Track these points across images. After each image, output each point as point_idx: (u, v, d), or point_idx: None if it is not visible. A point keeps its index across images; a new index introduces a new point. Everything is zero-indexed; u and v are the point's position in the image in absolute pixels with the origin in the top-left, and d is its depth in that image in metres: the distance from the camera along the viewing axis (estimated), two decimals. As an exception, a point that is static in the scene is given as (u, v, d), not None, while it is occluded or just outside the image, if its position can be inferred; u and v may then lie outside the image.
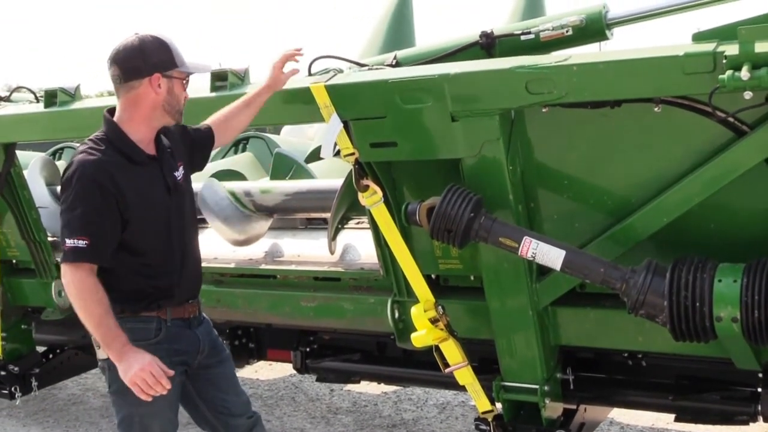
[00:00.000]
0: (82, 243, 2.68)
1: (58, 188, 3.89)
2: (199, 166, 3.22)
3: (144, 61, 2.78)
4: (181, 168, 2.99)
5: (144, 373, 2.65)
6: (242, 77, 3.50)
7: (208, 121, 3.20)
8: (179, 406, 3.01)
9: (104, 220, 2.72)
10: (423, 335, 3.11)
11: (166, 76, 2.80)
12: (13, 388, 4.92)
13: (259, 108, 3.23)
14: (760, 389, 3.16)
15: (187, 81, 2.90)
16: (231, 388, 3.14)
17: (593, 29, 3.39)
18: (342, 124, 3.09)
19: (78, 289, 2.70)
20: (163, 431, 2.94)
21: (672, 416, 3.45)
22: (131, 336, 2.76)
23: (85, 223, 2.69)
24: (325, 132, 3.14)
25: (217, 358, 3.09)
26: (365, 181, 3.16)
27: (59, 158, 6.34)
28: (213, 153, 5.85)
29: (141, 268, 2.85)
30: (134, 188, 2.78)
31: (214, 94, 3.46)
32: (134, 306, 2.85)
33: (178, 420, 3.00)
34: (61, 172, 3.73)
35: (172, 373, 2.73)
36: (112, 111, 2.89)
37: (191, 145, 3.10)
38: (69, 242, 2.70)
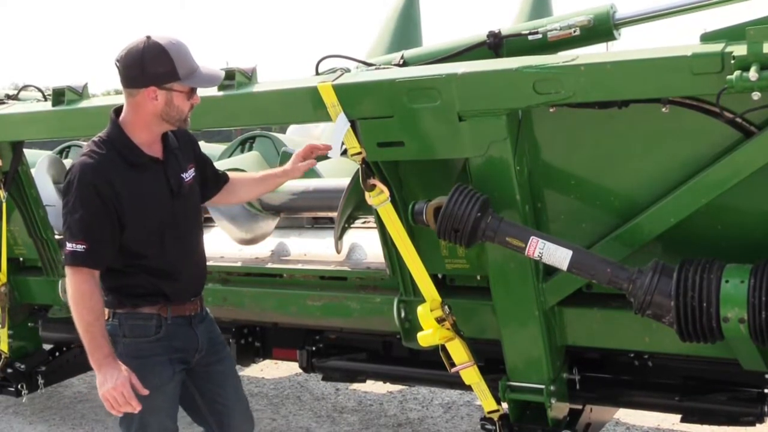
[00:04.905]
0: (80, 247, 2.72)
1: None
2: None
3: (142, 71, 2.73)
4: (191, 170, 3.02)
5: (116, 392, 2.69)
6: (249, 76, 3.50)
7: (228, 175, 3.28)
8: (178, 405, 3.04)
9: (103, 224, 2.75)
10: (429, 335, 3.11)
11: (164, 89, 2.75)
12: (19, 386, 4.92)
13: (269, 189, 3.45)
14: (766, 390, 3.16)
15: (193, 91, 2.84)
16: (228, 382, 3.15)
17: (601, 29, 3.40)
18: (349, 124, 3.09)
19: (73, 291, 2.74)
20: (162, 428, 2.96)
21: (678, 417, 3.45)
22: (131, 333, 2.85)
23: (83, 227, 2.72)
24: (333, 131, 3.14)
25: (216, 357, 3.12)
26: (372, 181, 3.16)
27: (66, 157, 6.34)
28: (218, 153, 5.86)
29: (142, 268, 2.87)
30: (133, 191, 2.80)
31: (221, 93, 3.46)
32: (135, 300, 2.88)
33: (177, 417, 3.02)
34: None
35: (145, 392, 2.75)
36: (119, 111, 2.89)
37: (200, 167, 3.11)
38: (69, 246, 2.74)
